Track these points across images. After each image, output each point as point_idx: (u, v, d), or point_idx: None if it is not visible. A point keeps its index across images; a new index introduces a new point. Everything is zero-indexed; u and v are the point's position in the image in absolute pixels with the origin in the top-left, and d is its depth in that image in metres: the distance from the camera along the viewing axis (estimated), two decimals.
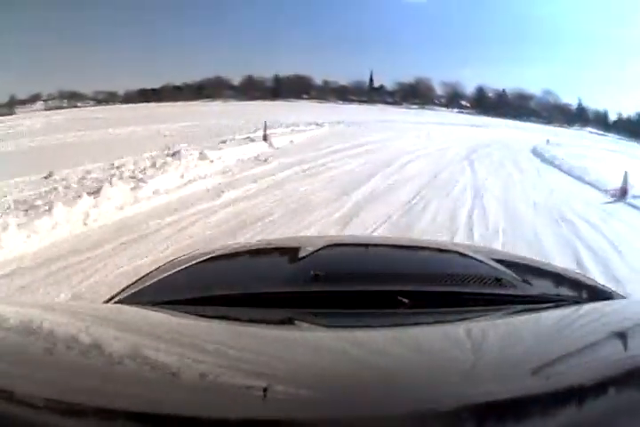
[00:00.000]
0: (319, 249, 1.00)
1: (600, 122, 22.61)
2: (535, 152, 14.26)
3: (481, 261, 0.97)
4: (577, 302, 0.84)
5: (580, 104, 22.50)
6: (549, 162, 11.81)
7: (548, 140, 17.14)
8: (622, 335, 0.62)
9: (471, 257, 1.00)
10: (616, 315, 0.77)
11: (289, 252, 1.02)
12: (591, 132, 22.46)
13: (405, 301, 0.75)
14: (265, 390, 0.43)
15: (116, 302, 0.88)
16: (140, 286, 0.93)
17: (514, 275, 0.90)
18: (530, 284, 0.87)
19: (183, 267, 1.00)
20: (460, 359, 0.54)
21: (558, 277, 1.04)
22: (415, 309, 0.75)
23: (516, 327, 0.71)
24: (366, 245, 1.28)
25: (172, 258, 1.16)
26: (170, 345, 0.59)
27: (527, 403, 0.41)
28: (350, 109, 27.22)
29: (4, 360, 0.49)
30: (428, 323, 0.74)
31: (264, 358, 0.54)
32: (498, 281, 0.84)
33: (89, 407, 0.39)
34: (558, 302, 0.81)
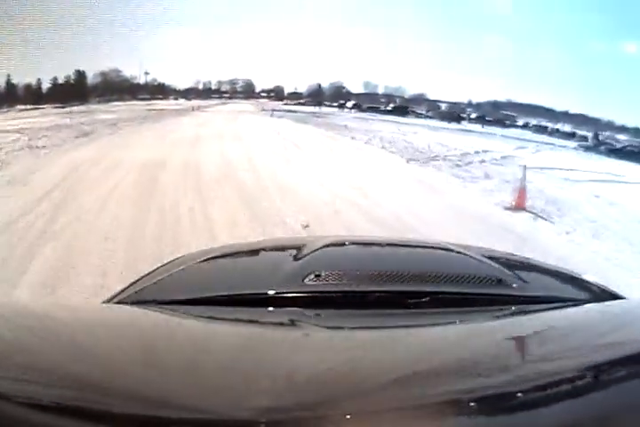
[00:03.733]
0: (319, 249, 0.99)
1: (32, 95, 18.18)
2: None
3: (481, 262, 0.97)
4: (577, 302, 0.84)
5: (9, 81, 16.77)
6: None
7: None
8: (622, 335, 0.62)
9: (471, 257, 1.00)
10: (616, 315, 0.77)
11: (289, 252, 1.02)
12: (21, 110, 17.00)
13: (405, 301, 0.75)
14: (265, 390, 0.43)
15: (116, 302, 0.87)
16: (140, 286, 0.93)
17: (514, 275, 0.90)
18: (529, 284, 0.87)
19: (183, 267, 1.00)
20: (459, 359, 0.54)
21: (558, 278, 1.04)
22: (415, 309, 0.75)
23: (515, 328, 0.71)
24: (366, 245, 1.28)
25: (171, 259, 1.14)
26: (170, 345, 0.59)
27: (527, 402, 0.41)
28: None
29: (4, 360, 0.48)
30: (427, 323, 0.74)
31: (264, 358, 0.54)
32: (498, 281, 0.84)
33: (89, 408, 0.39)
34: (558, 302, 0.81)
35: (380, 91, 18.67)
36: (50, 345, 0.55)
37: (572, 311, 0.77)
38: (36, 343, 0.55)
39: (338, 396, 0.42)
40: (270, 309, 0.74)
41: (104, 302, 0.90)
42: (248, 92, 20.60)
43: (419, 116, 17.34)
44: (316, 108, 17.94)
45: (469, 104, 17.34)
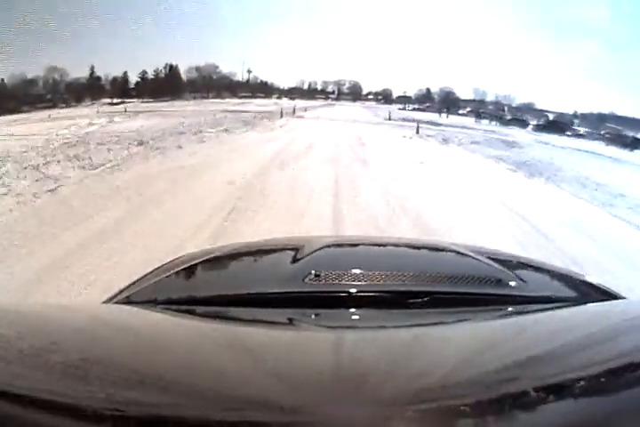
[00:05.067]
0: (319, 249, 0.99)
1: (118, 88, 16.09)
2: None
3: (481, 262, 0.97)
4: (577, 302, 0.84)
5: (92, 74, 14.83)
6: None
7: None
8: (622, 335, 0.61)
9: (471, 257, 1.00)
10: (616, 315, 0.76)
11: (288, 252, 1.02)
12: (104, 104, 15.12)
13: (405, 301, 0.75)
14: (265, 390, 0.43)
15: (116, 302, 0.87)
16: (140, 286, 0.93)
17: (514, 275, 0.89)
18: (529, 284, 0.87)
19: (183, 267, 1.00)
20: (459, 359, 0.53)
21: (558, 278, 1.03)
22: (415, 309, 0.74)
23: (515, 328, 0.71)
24: (366, 245, 1.27)
25: (171, 258, 1.15)
26: (169, 345, 0.59)
27: (527, 403, 0.41)
28: None
29: (4, 360, 0.49)
30: (427, 323, 0.73)
31: (264, 358, 0.54)
32: (498, 281, 0.84)
33: (88, 408, 0.39)
34: (558, 302, 0.80)
35: (489, 98, 17.46)
36: (50, 345, 0.55)
37: (571, 311, 0.77)
38: (36, 343, 0.56)
39: (338, 396, 0.42)
40: (270, 309, 0.74)
41: (104, 302, 0.91)
42: (355, 93, 19.52)
43: (569, 133, 13.79)
44: (443, 117, 16.43)
45: (575, 115, 15.72)
